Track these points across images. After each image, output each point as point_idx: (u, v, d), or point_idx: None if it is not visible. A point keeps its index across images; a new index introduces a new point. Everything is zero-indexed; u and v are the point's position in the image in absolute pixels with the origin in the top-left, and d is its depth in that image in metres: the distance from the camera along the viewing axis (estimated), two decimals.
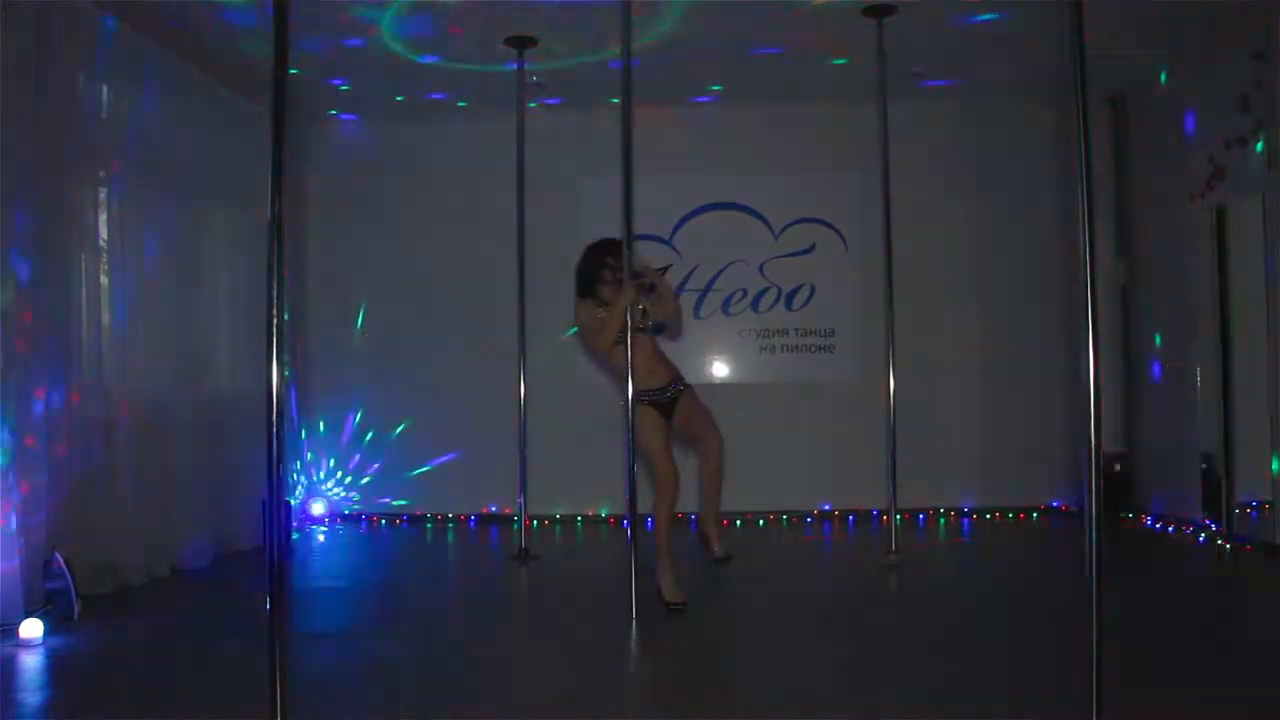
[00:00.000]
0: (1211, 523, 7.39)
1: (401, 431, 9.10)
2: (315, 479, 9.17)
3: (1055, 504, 8.89)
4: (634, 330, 5.45)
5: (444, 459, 9.05)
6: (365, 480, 9.17)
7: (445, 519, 9.04)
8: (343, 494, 9.21)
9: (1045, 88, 8.39)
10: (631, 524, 5.49)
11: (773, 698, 4.07)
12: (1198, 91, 7.57)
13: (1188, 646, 4.78)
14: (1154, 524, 8.07)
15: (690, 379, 8.97)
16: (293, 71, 7.15)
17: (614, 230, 5.78)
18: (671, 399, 5.70)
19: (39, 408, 5.48)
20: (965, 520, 8.73)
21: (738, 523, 8.71)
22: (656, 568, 5.49)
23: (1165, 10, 6.74)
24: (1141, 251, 8.58)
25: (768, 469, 8.86)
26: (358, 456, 9.17)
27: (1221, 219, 7.40)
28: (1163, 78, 8.04)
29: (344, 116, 9.10)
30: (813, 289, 9.04)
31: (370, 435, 9.13)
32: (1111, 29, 6.98)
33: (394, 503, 9.14)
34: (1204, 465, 7.54)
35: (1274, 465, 6.66)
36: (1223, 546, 7.04)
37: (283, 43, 3.28)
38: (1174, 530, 7.75)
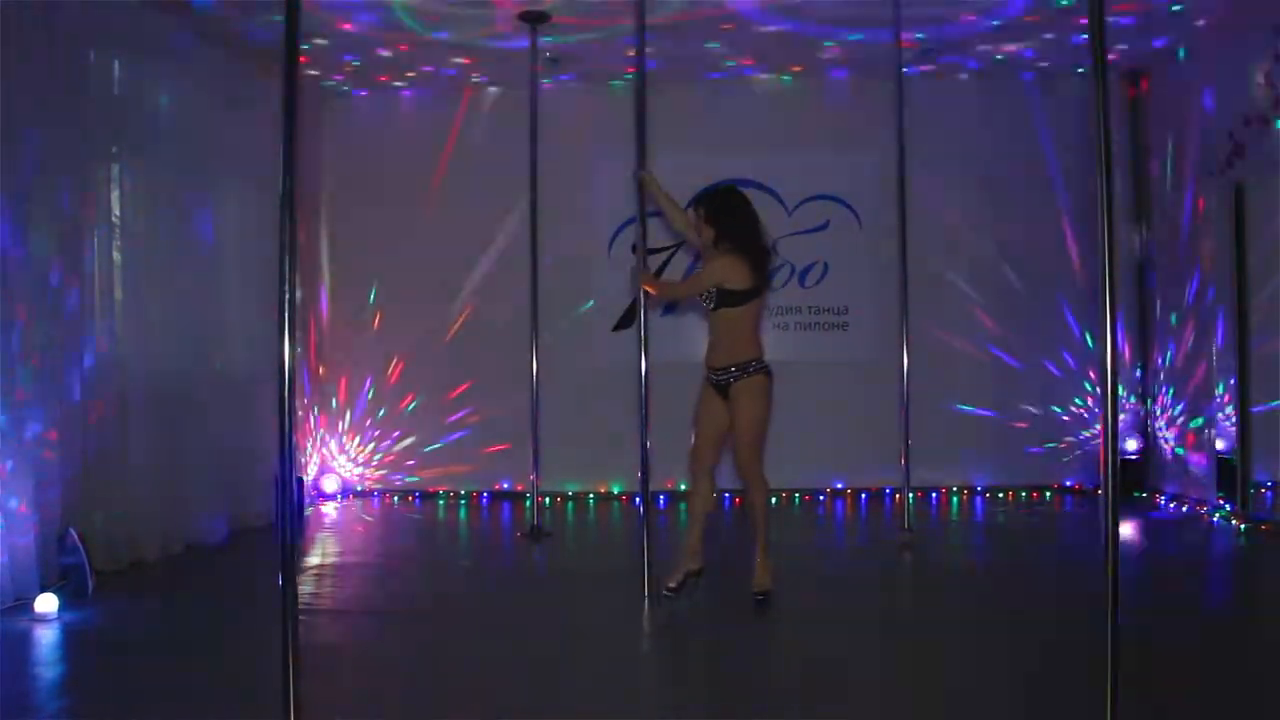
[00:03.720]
0: (1227, 503, 7.35)
1: (414, 408, 9.10)
2: (327, 455, 9.19)
3: (1069, 482, 8.86)
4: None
5: (455, 435, 9.06)
6: (377, 456, 9.19)
7: (457, 495, 9.06)
8: (355, 470, 9.23)
9: (1063, 63, 8.31)
10: (644, 501, 5.48)
11: (782, 681, 4.07)
12: (1218, 66, 7.49)
13: (1205, 628, 4.77)
14: (1168, 503, 8.04)
15: (704, 356, 9.04)
16: (305, 47, 7.15)
17: (628, 206, 5.73)
18: (721, 384, 5.24)
19: (53, 383, 5.49)
20: (979, 499, 8.71)
21: None
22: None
23: None
24: (1159, 228, 8.51)
25: (780, 447, 8.73)
26: (370, 432, 9.18)
27: (1240, 196, 7.33)
28: (1181, 53, 7.94)
29: (357, 92, 9.06)
30: (826, 266, 8.99)
31: (382, 411, 9.13)
32: (1131, 3, 6.91)
33: (406, 479, 9.16)
34: (1219, 444, 7.50)
35: None
36: (1238, 526, 7.01)
37: (294, 19, 3.25)
38: (1189, 510, 7.71)
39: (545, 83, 7.56)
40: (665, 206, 5.57)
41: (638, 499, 5.73)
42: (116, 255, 6.23)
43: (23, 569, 5.20)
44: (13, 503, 5.17)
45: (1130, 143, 8.75)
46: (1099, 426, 6.50)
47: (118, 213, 6.25)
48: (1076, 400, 8.82)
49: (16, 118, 5.24)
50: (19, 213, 5.28)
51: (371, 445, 9.19)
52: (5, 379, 5.14)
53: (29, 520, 5.25)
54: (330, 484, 9.08)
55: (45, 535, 5.36)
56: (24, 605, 5.05)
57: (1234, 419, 7.34)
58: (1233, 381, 7.37)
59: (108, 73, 6.24)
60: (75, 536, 5.45)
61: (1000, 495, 8.75)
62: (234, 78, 7.54)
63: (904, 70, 6.90)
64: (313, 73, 8.28)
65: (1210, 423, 7.61)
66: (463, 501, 8.97)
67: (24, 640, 4.64)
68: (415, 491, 9.12)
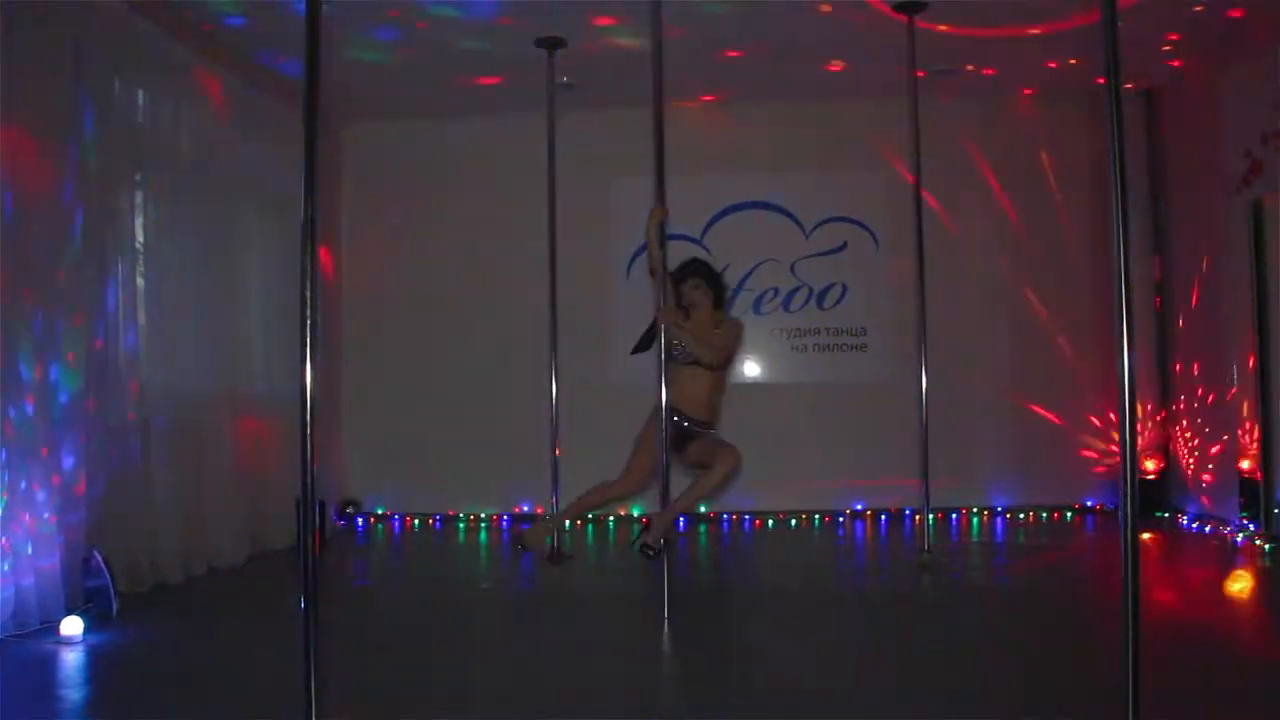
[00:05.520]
0: (1250, 523, 7.30)
1: (433, 431, 9.13)
2: (348, 477, 9.23)
3: (1090, 502, 8.82)
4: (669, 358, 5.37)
5: (475, 458, 9.09)
6: (398, 479, 9.22)
7: (477, 519, 9.08)
8: (375, 493, 9.26)
9: (1078, 82, 8.32)
10: None
11: (802, 700, 4.06)
12: (1234, 84, 7.48)
13: (1228, 651, 4.73)
14: (1190, 524, 7.99)
15: None
16: (325, 74, 7.23)
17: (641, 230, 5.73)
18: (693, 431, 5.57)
19: (76, 407, 5.55)
20: (999, 519, 8.67)
21: (769, 522, 8.70)
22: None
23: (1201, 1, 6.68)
24: (1177, 246, 8.49)
25: (800, 468, 8.85)
26: (390, 455, 9.21)
27: (1259, 213, 7.31)
28: (1198, 70, 7.94)
29: (376, 119, 9.15)
30: (844, 288, 9.01)
31: (402, 434, 9.18)
32: (1145, 21, 6.92)
33: (426, 501, 9.18)
34: (1241, 463, 7.45)
35: None
36: (1261, 546, 6.95)
37: (314, 46, 3.30)
38: (1211, 530, 7.66)
39: (562, 107, 7.61)
40: (652, 247, 5.40)
41: None
42: (140, 281, 6.31)
43: (48, 592, 5.25)
44: (38, 526, 5.23)
45: (1147, 160, 8.75)
46: (1119, 446, 6.51)
47: (141, 240, 6.34)
48: (1096, 420, 8.79)
49: (43, 146, 5.32)
50: (44, 239, 5.35)
51: (392, 468, 9.23)
52: (29, 403, 5.21)
53: (54, 543, 5.30)
54: (351, 506, 9.12)
55: (70, 558, 5.41)
56: (50, 628, 5.09)
57: (1257, 436, 7.30)
58: (1255, 400, 7.33)
59: (132, 101, 6.34)
60: (99, 559, 5.49)
61: (1020, 516, 8.71)
62: (255, 106, 7.64)
63: (919, 89, 6.91)
64: (332, 99, 8.37)
65: (1232, 440, 7.58)
66: (483, 524, 8.99)
67: (50, 662, 4.68)
68: (435, 514, 9.15)
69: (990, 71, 8.12)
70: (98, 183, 5.86)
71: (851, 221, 9.00)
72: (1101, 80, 3.28)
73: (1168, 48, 7.60)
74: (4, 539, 5.02)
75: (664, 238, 5.35)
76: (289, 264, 7.55)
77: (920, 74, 6.83)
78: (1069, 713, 3.78)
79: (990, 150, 8.86)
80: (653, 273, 5.42)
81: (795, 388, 9.06)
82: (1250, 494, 7.34)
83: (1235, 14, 6.88)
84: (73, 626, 5.00)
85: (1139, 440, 7.85)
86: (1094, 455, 8.82)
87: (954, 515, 8.71)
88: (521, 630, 5.40)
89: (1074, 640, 4.88)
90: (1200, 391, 8.13)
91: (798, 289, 9.04)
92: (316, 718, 3.10)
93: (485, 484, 9.08)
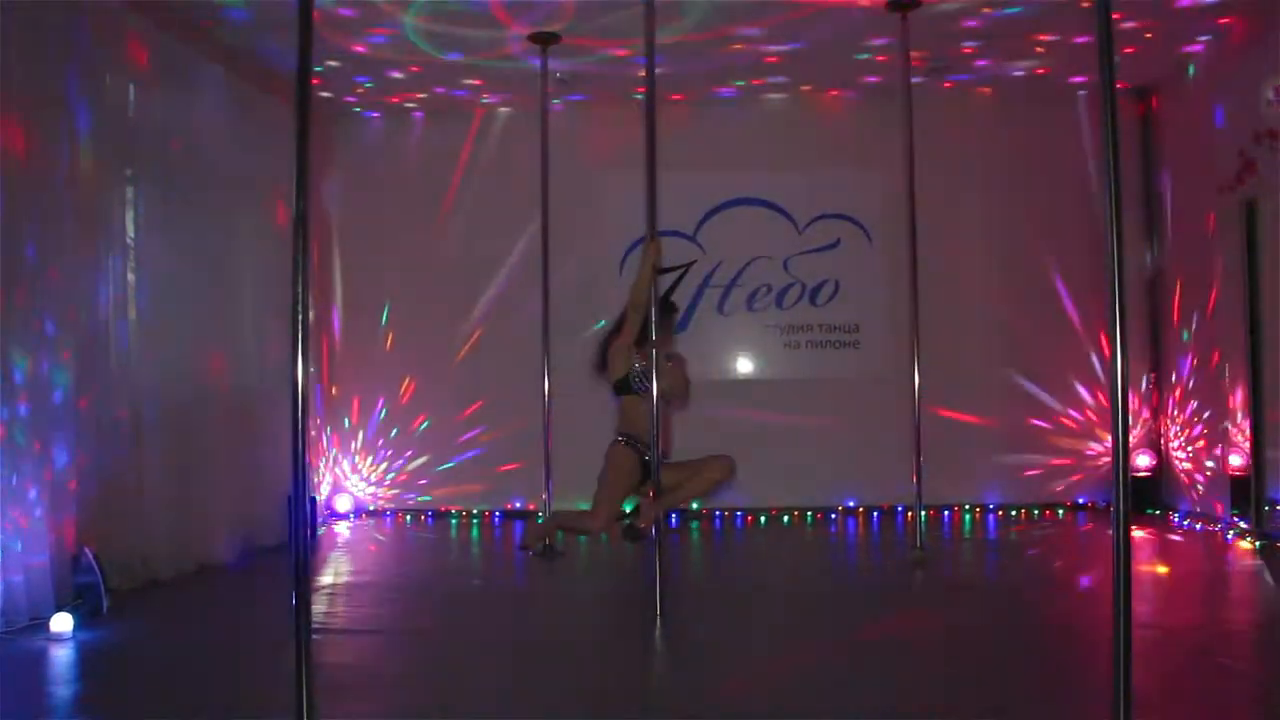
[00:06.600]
0: (1241, 519, 7.32)
1: (426, 427, 9.12)
2: (340, 474, 9.21)
3: (1082, 500, 8.83)
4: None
5: (467, 455, 9.08)
6: (390, 475, 9.21)
7: (470, 514, 9.07)
8: (367, 489, 9.25)
9: (1072, 81, 8.32)
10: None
11: (794, 697, 4.06)
12: (1228, 83, 7.49)
13: (1218, 647, 4.74)
14: (1182, 521, 8.01)
15: (714, 376, 9.11)
16: (317, 69, 7.20)
17: (639, 225, 5.72)
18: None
19: (67, 403, 5.53)
20: (991, 516, 8.68)
21: (762, 519, 8.70)
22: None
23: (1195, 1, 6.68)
24: (1170, 245, 8.51)
25: (792, 465, 8.84)
26: (382, 452, 9.20)
27: (1252, 212, 7.32)
28: (1191, 70, 7.95)
29: (369, 113, 9.13)
30: (837, 284, 9.00)
31: (395, 431, 9.16)
32: (1139, 20, 6.92)
33: (419, 498, 9.18)
34: (1233, 461, 7.47)
35: None
36: (1252, 543, 6.97)
37: (306, 41, 3.28)
38: (1202, 527, 7.68)
39: (555, 103, 7.59)
40: (643, 276, 5.32)
41: None
42: (131, 277, 6.28)
43: (38, 588, 5.23)
44: (28, 522, 5.21)
45: (1141, 159, 8.76)
46: (1110, 443, 6.51)
47: (132, 234, 6.31)
48: (1090, 417, 8.80)
49: (35, 141, 5.30)
50: (36, 234, 5.33)
51: (384, 464, 9.22)
52: (21, 399, 5.19)
53: (44, 540, 5.28)
54: (343, 503, 9.11)
55: (60, 555, 5.39)
56: (40, 624, 5.08)
57: (1248, 433, 7.31)
58: (1246, 398, 7.35)
59: (123, 96, 6.31)
60: (90, 556, 5.48)
61: (1012, 513, 8.72)
62: (247, 100, 7.60)
63: (912, 86, 6.90)
64: (325, 94, 8.36)
65: (1223, 437, 7.59)
66: (475, 520, 8.98)
67: (39, 659, 4.66)
68: (428, 510, 9.14)
69: (983, 69, 8.11)
70: (90, 178, 5.83)
71: (845, 218, 8.99)
72: (1096, 79, 3.28)
73: (1163, 48, 7.60)
74: None
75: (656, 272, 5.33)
76: (280, 260, 7.51)
77: (915, 68, 6.84)
78: (1060, 710, 3.79)
79: (984, 147, 8.84)
80: (636, 307, 5.27)
81: (788, 384, 9.05)
82: (1241, 491, 7.36)
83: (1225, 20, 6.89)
84: (62, 623, 4.99)
85: (1131, 437, 7.87)
86: (1087, 452, 8.82)
87: (946, 512, 8.71)
88: (515, 627, 5.40)
89: (1066, 638, 4.89)
90: (1192, 389, 8.14)
91: (791, 285, 9.03)
92: (308, 714, 3.09)
93: (478, 480, 9.07)
